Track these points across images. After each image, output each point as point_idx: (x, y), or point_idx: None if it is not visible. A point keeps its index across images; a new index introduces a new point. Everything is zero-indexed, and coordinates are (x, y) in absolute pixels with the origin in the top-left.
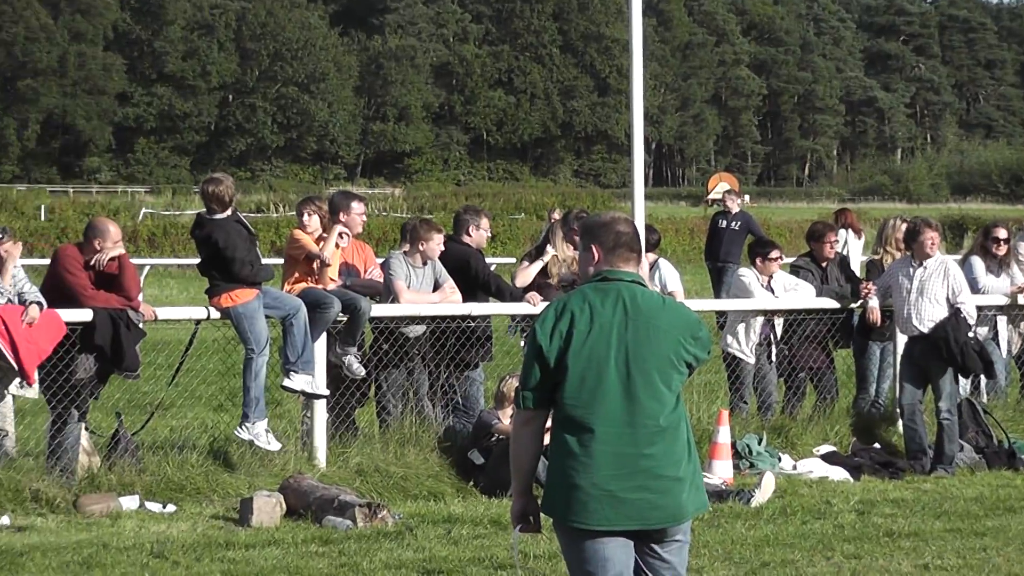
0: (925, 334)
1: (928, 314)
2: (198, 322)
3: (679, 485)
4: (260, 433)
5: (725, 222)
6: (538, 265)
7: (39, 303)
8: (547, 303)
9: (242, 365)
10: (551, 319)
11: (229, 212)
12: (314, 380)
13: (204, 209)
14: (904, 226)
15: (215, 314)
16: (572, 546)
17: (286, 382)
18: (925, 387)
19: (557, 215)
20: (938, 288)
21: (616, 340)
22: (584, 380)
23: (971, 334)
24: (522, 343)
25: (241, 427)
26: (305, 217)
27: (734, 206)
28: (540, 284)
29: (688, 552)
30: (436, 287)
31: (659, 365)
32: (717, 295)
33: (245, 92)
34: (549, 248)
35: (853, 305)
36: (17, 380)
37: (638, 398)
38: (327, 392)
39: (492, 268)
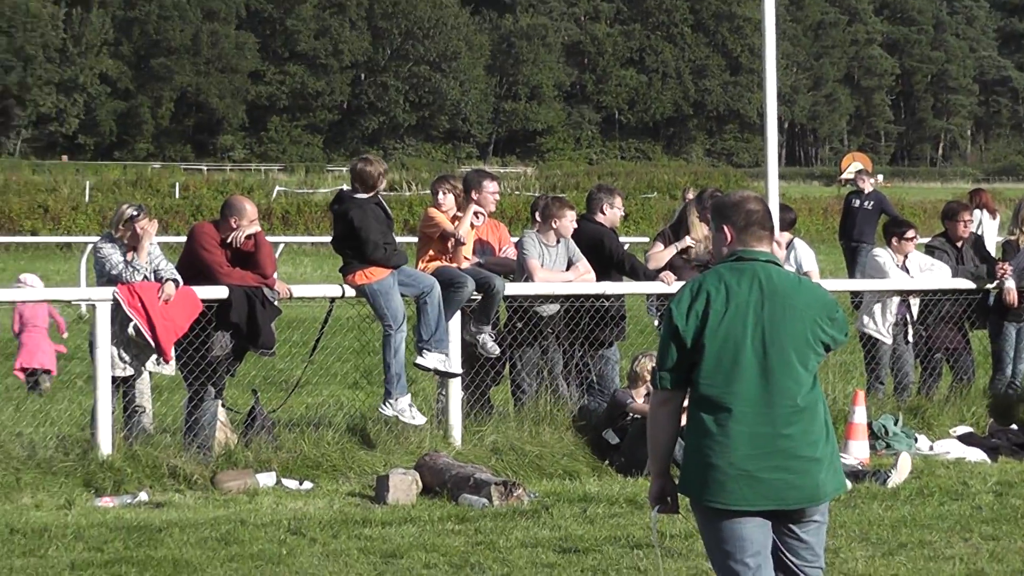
0: None
1: None
2: (333, 300)
3: (817, 466)
4: (404, 408)
5: (858, 202)
6: (672, 251)
7: (175, 280)
8: (681, 283)
9: (378, 343)
10: (687, 299)
11: (371, 194)
12: (447, 359)
13: (347, 186)
14: None
15: (350, 292)
16: (710, 526)
17: (419, 360)
18: None
19: (691, 194)
20: None
21: (752, 320)
22: (720, 360)
23: None
24: (656, 323)
25: (384, 404)
26: (440, 195)
27: (867, 186)
28: (674, 264)
29: (825, 533)
30: (569, 265)
31: (796, 345)
32: (851, 275)
33: (377, 71)
34: (687, 238)
35: (989, 286)
36: (154, 357)
37: (775, 378)
38: (460, 371)
39: (626, 247)
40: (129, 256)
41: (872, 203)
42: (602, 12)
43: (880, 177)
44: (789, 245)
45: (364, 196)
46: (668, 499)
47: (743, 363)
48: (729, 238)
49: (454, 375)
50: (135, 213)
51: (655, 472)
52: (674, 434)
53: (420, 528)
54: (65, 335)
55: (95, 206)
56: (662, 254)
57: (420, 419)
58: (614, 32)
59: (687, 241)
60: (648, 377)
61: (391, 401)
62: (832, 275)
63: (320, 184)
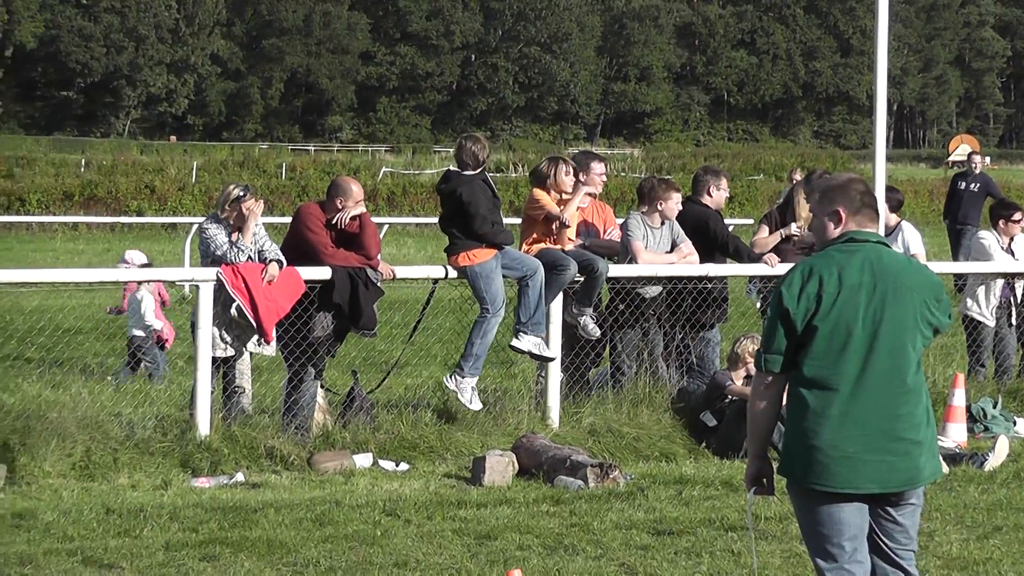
0: None
1: None
2: (436, 281)
3: (918, 448)
4: (466, 389)
5: (964, 184)
6: (777, 237)
7: (279, 261)
8: (785, 264)
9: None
10: (798, 282)
11: (478, 171)
12: (543, 342)
13: (453, 166)
14: None
15: (453, 273)
16: (808, 508)
17: (514, 342)
18: None
19: (799, 176)
20: None
21: (864, 302)
22: (831, 342)
23: None
24: (758, 304)
25: (451, 377)
26: (563, 175)
27: (979, 167)
28: (779, 246)
29: (920, 516)
30: (673, 247)
31: (906, 327)
32: (955, 257)
33: (488, 52)
34: (792, 225)
35: None
36: (255, 338)
37: (884, 360)
38: (555, 355)
39: (730, 229)
40: (234, 237)
41: (978, 185)
42: None
43: (987, 159)
44: (897, 227)
45: (472, 173)
46: (764, 481)
47: (853, 345)
48: (843, 220)
49: (549, 359)
50: (241, 193)
51: (754, 454)
52: (775, 416)
53: (515, 510)
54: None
55: (201, 187)
56: (768, 239)
57: (477, 404)
58: (726, 13)
59: (792, 229)
60: (749, 359)
61: (458, 376)
62: (936, 257)
63: (427, 165)
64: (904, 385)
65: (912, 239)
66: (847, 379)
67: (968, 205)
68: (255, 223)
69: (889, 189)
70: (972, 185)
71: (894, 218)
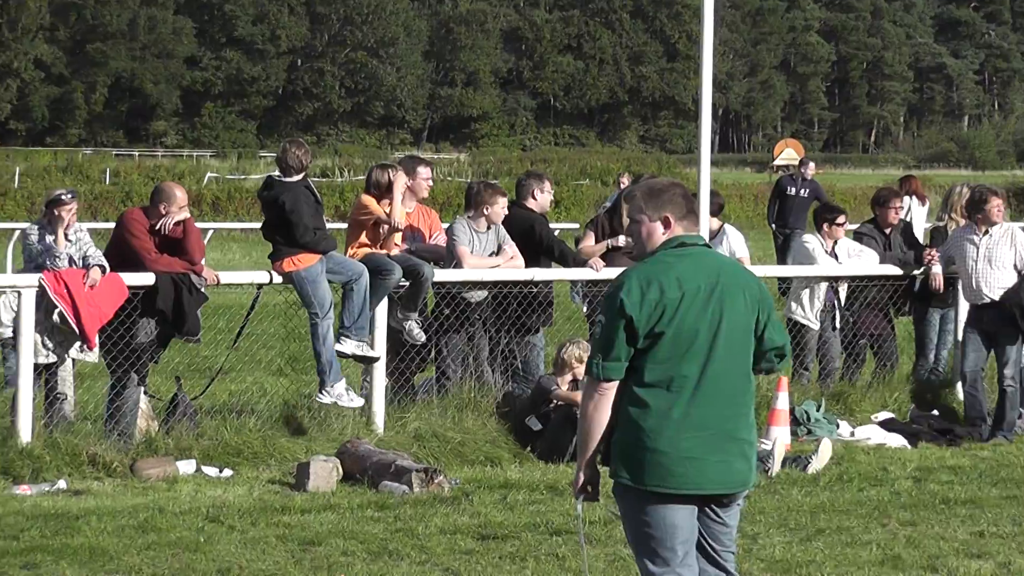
0: (995, 301)
1: (997, 281)
2: (260, 286)
3: (751, 449)
4: (341, 393)
5: (794, 189)
6: (603, 247)
7: (102, 266)
8: (611, 269)
9: (303, 329)
10: (638, 289)
11: (300, 177)
12: (366, 344)
13: (275, 171)
14: (969, 193)
15: (278, 279)
16: (641, 511)
17: (338, 346)
18: (988, 354)
19: (626, 180)
20: (1006, 255)
21: (703, 306)
22: (675, 346)
23: None
24: (584, 308)
25: (321, 392)
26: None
27: (808, 172)
28: (608, 247)
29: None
30: (498, 251)
31: (743, 329)
32: (782, 262)
33: (314, 56)
34: (621, 237)
35: (916, 272)
36: (78, 344)
37: (724, 362)
38: (378, 355)
39: (556, 234)
40: (49, 240)
41: (808, 191)
42: None
43: (812, 165)
44: (720, 231)
45: (294, 180)
46: (589, 488)
47: (696, 349)
48: (671, 225)
49: (372, 359)
50: (59, 197)
51: (586, 461)
52: (607, 423)
53: (339, 515)
54: None
55: (24, 192)
56: (594, 248)
57: (358, 401)
58: (553, 18)
59: (620, 240)
60: (575, 365)
61: (327, 388)
62: (761, 261)
63: (252, 170)
64: (742, 386)
65: (736, 242)
66: (689, 381)
67: (799, 210)
68: (72, 228)
69: (712, 194)
70: (802, 191)
71: (716, 222)
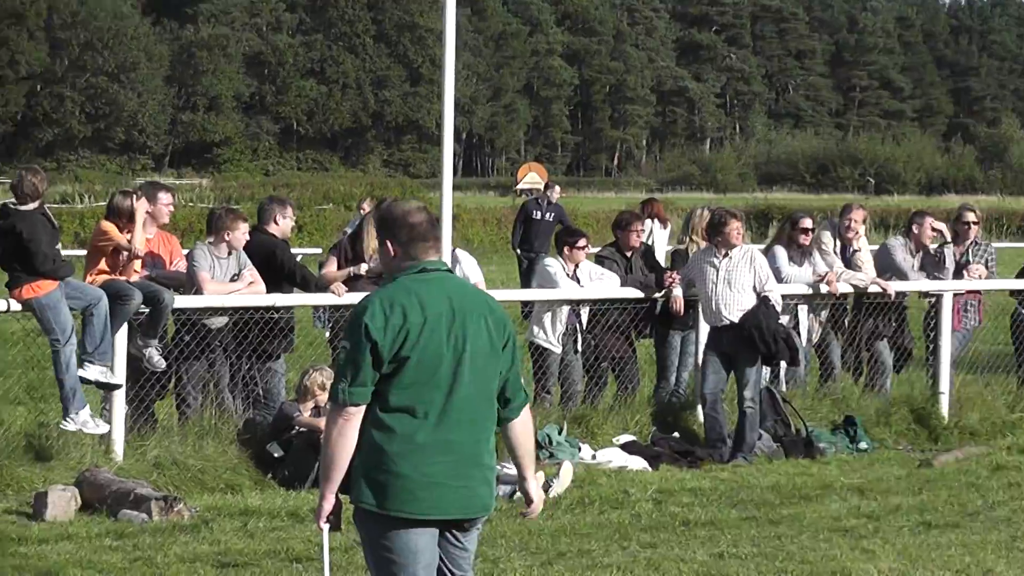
0: (734, 323)
1: (737, 303)
2: None
3: (492, 474)
4: (86, 420)
5: (539, 212)
6: (345, 273)
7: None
8: (353, 294)
9: (42, 357)
10: (381, 314)
11: (36, 205)
12: (109, 371)
13: (11, 199)
14: (709, 216)
15: (16, 306)
16: (383, 537)
17: (81, 372)
18: (728, 375)
19: (367, 206)
20: (745, 277)
21: (447, 330)
22: (420, 371)
23: (778, 322)
24: (327, 334)
25: (66, 419)
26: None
27: (554, 196)
28: (350, 274)
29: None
30: (239, 277)
31: (485, 354)
32: (527, 285)
33: (54, 82)
34: (363, 265)
35: (657, 295)
36: None
37: (469, 387)
38: (121, 382)
39: (299, 259)
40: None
41: (553, 215)
42: (284, 23)
43: (558, 188)
44: (452, 256)
45: (30, 208)
46: (332, 516)
47: (439, 374)
48: (397, 251)
49: (115, 386)
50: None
51: (331, 489)
52: (352, 450)
53: (77, 545)
54: None
55: None
56: (336, 273)
57: (104, 427)
58: (295, 43)
59: (362, 269)
60: (318, 392)
61: (72, 416)
62: (504, 285)
63: None
64: (485, 412)
65: (470, 268)
66: (435, 406)
67: (544, 234)
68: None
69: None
70: (547, 214)
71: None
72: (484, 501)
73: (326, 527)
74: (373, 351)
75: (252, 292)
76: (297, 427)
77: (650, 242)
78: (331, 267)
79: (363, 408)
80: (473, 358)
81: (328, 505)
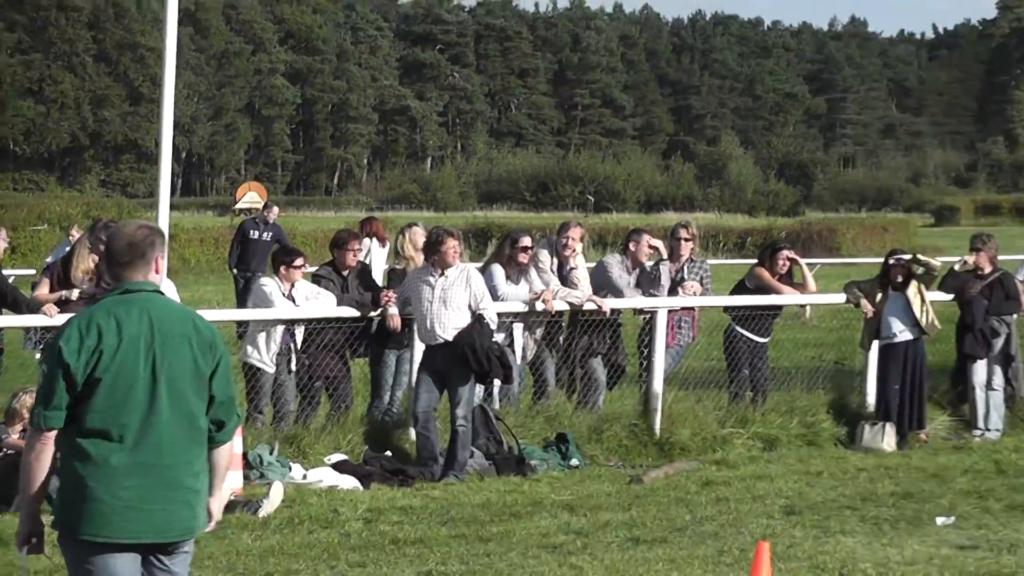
0: (448, 341)
1: (451, 322)
2: None
3: (196, 497)
4: None
5: (257, 232)
6: (57, 295)
7: None
8: (65, 316)
9: None
10: (76, 336)
11: None
12: None
13: None
14: (424, 235)
15: None
16: (84, 561)
17: None
18: (441, 394)
19: (75, 233)
20: (460, 296)
21: (144, 352)
22: (114, 393)
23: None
24: (37, 356)
25: None
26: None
27: (272, 216)
28: (62, 297)
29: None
30: None
31: (186, 375)
32: (244, 305)
33: None
34: (75, 290)
35: (373, 313)
36: None
37: (167, 409)
38: None
39: (12, 280)
40: None
41: (271, 234)
42: (3, 42)
43: (276, 208)
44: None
45: None
46: (34, 539)
47: (135, 396)
48: (104, 272)
49: None
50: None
51: (32, 512)
52: (48, 472)
53: None
54: None
55: None
56: (49, 295)
57: None
58: (14, 62)
59: (73, 294)
60: (26, 414)
61: None
62: (220, 305)
63: None
64: (187, 434)
65: (169, 290)
66: (130, 429)
67: (262, 253)
68: None
69: None
70: (265, 234)
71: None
72: (186, 524)
73: (24, 550)
74: (66, 374)
75: None
76: (5, 449)
77: (368, 261)
78: (43, 289)
79: (58, 431)
80: (173, 381)
81: (27, 528)
